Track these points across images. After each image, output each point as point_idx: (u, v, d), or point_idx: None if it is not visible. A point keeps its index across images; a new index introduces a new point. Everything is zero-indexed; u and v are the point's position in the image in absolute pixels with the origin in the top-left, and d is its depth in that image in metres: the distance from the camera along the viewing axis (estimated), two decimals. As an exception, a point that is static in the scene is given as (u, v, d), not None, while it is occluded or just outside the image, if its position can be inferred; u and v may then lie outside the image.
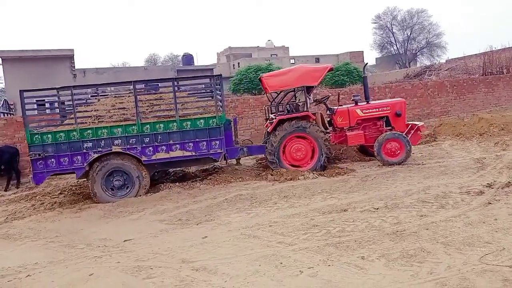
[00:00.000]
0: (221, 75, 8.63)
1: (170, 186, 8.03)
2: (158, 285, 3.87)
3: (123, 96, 8.24)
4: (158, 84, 9.14)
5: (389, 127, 9.08)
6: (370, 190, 6.70)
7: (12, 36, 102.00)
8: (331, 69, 9.32)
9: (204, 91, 8.94)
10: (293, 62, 43.94)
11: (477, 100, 18.40)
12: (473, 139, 10.87)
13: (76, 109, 7.72)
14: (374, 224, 5.00)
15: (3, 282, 4.30)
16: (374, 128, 9.18)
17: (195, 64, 36.96)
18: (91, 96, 8.93)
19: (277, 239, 4.79)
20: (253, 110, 13.62)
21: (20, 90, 7.57)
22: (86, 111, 8.01)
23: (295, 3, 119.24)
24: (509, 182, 6.38)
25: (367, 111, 9.07)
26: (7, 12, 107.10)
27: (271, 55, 48.79)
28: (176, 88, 8.04)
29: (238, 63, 42.76)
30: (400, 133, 8.71)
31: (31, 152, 7.50)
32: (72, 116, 7.74)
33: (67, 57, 20.30)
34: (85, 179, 9.02)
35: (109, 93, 8.99)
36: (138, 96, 7.78)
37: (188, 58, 36.34)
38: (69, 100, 7.91)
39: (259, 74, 23.93)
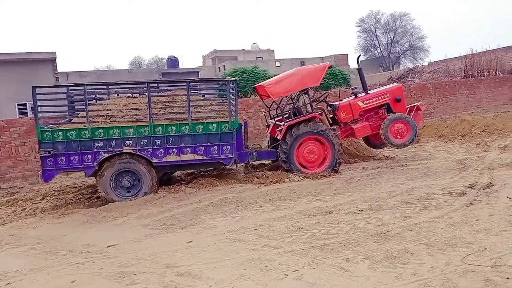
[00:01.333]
0: (235, 80, 8.59)
1: (155, 190, 7.95)
2: (142, 291, 3.81)
3: (137, 97, 8.18)
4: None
5: (391, 113, 9.16)
6: (355, 192, 6.75)
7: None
8: (329, 67, 9.40)
9: (218, 95, 8.91)
10: (279, 65, 44.12)
11: (459, 102, 18.73)
12: (455, 140, 11.07)
13: (88, 107, 7.59)
14: (358, 226, 5.03)
15: (-18, 291, 4.19)
16: (377, 117, 9.32)
17: (180, 67, 36.80)
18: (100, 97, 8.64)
19: (262, 243, 4.78)
20: (238, 113, 13.58)
21: (32, 86, 7.45)
22: (98, 110, 7.92)
23: (280, 6, 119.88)
24: (490, 183, 6.51)
25: (368, 101, 9.18)
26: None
27: (256, 58, 48.87)
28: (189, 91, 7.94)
29: (224, 66, 42.73)
30: (411, 118, 8.90)
31: (41, 149, 7.39)
32: (84, 114, 7.63)
33: (49, 60, 19.95)
34: (68, 185, 8.90)
35: (121, 93, 8.75)
36: (151, 97, 7.72)
37: (173, 61, 36.19)
38: (82, 97, 7.68)
39: (244, 77, 24.05)
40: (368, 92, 9.47)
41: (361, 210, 5.66)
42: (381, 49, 54.04)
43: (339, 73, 24.74)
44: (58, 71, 20.91)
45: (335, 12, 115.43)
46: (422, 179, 7.23)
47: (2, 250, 5.52)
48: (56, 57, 20.05)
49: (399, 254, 4.07)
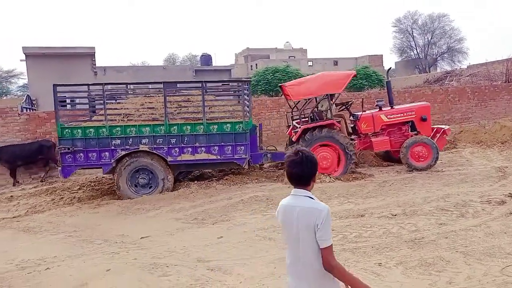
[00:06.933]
0: (250, 80, 8.64)
1: (187, 185, 8.08)
2: (174, 283, 3.89)
3: (153, 96, 8.36)
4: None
5: (414, 132, 8.93)
6: (388, 196, 6.62)
7: (36, 33, 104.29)
8: (354, 76, 9.22)
9: (233, 96, 9.02)
10: (311, 64, 43.80)
11: (499, 107, 18.01)
12: (494, 147, 10.66)
13: (106, 105, 7.82)
14: (391, 231, 4.94)
15: (23, 274, 4.39)
16: (399, 133, 9.05)
17: (213, 64, 37.12)
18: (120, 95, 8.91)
19: (293, 242, 4.76)
20: (270, 111, 13.61)
21: (53, 85, 7.73)
22: (116, 108, 8.15)
23: (314, 5, 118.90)
24: (532, 192, 6.23)
25: (391, 116, 8.95)
26: (32, 9, 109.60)
27: (289, 57, 48.66)
28: (204, 92, 8.05)
29: (256, 64, 42.79)
30: (429, 139, 8.62)
31: (60, 146, 7.64)
32: (102, 112, 7.85)
33: (88, 55, 20.63)
34: (103, 176, 9.17)
35: (139, 92, 9.04)
36: (167, 97, 7.85)
37: (206, 58, 36.52)
38: (100, 96, 7.97)
39: (276, 76, 23.99)
40: (393, 106, 9.24)
41: (395, 215, 5.55)
42: (418, 50, 52.45)
43: (373, 74, 24.26)
44: (97, 65, 21.56)
45: (371, 11, 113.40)
46: (458, 186, 7.01)
47: (42, 237, 5.77)
48: (95, 52, 20.68)
49: (434, 261, 3.97)
